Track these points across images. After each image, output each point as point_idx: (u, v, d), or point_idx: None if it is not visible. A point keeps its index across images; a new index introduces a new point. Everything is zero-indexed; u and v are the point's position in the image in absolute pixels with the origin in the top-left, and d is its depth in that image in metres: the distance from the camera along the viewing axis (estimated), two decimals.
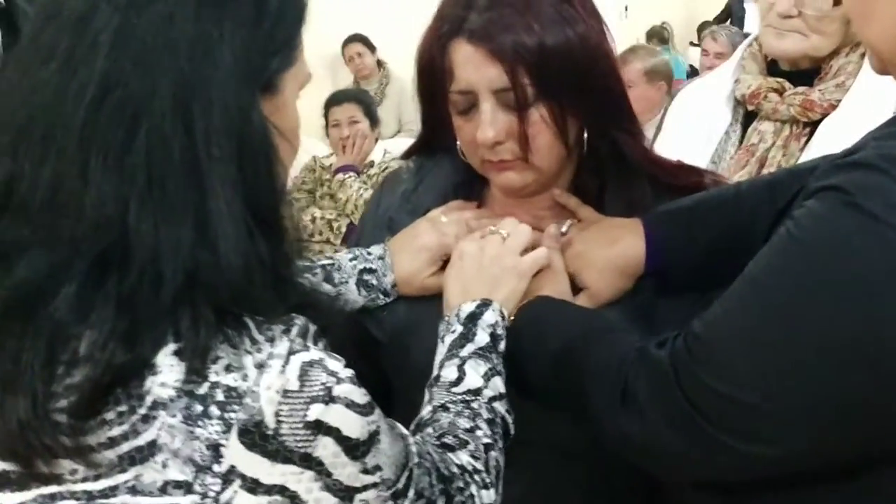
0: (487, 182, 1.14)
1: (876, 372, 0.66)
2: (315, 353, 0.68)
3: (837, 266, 0.67)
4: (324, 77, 5.83)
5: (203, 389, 0.64)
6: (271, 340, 0.66)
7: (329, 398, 0.66)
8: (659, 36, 7.17)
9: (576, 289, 1.05)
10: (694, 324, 0.78)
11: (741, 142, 1.63)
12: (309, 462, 0.66)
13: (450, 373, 0.94)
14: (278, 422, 0.64)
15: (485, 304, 0.98)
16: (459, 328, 0.97)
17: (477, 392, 0.92)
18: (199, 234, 0.65)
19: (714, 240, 0.99)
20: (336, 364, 0.68)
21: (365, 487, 0.70)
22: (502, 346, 0.97)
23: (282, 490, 0.66)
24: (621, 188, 1.08)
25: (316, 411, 0.65)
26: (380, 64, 5.57)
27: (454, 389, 0.92)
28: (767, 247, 0.74)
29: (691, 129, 1.70)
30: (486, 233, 1.05)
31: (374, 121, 3.62)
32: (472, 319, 0.97)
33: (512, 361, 0.98)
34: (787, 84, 1.57)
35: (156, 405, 0.64)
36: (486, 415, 0.91)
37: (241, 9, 0.69)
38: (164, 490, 0.64)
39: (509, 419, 0.94)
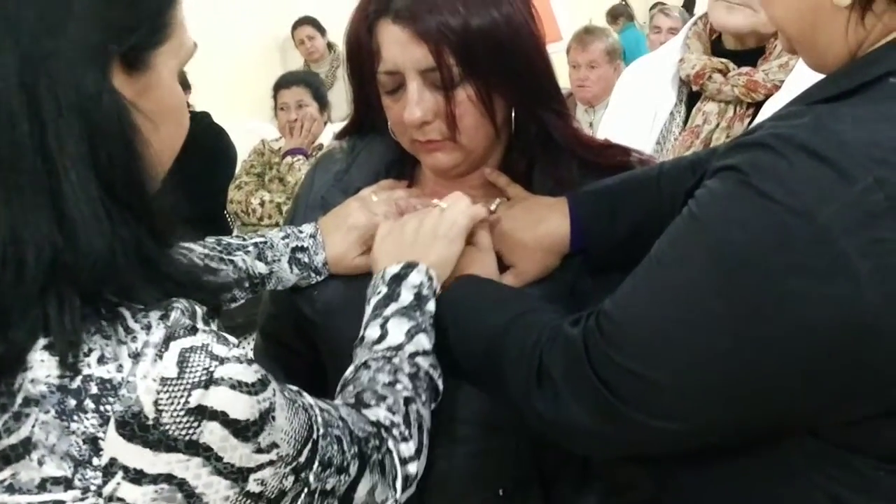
0: (419, 161, 1.14)
1: (768, 350, 0.68)
2: (200, 337, 0.65)
3: (729, 245, 0.68)
4: (274, 60, 5.79)
5: (76, 383, 0.62)
6: (147, 328, 0.64)
7: (210, 381, 0.64)
8: (625, 13, 7.16)
9: (503, 267, 1.06)
10: (605, 302, 0.79)
11: (686, 122, 1.62)
12: (195, 449, 0.64)
13: (373, 332, 0.95)
14: (158, 411, 0.62)
15: (410, 266, 0.98)
16: (384, 289, 0.97)
17: (398, 348, 0.93)
18: (56, 217, 0.63)
19: (636, 219, 1.00)
20: (221, 348, 0.66)
21: (260, 467, 0.68)
22: (429, 305, 0.97)
23: (168, 478, 0.64)
24: (549, 167, 1.10)
25: (197, 396, 0.63)
26: (330, 47, 5.50)
27: (376, 347, 0.93)
28: (671, 226, 0.75)
29: (636, 110, 1.69)
30: (431, 207, 1.05)
31: (322, 104, 3.60)
32: (397, 280, 0.97)
33: (437, 342, 0.98)
34: (731, 64, 1.55)
35: (27, 402, 0.62)
36: (407, 369, 0.91)
37: None
38: (42, 487, 0.62)
39: (435, 374, 0.94)
